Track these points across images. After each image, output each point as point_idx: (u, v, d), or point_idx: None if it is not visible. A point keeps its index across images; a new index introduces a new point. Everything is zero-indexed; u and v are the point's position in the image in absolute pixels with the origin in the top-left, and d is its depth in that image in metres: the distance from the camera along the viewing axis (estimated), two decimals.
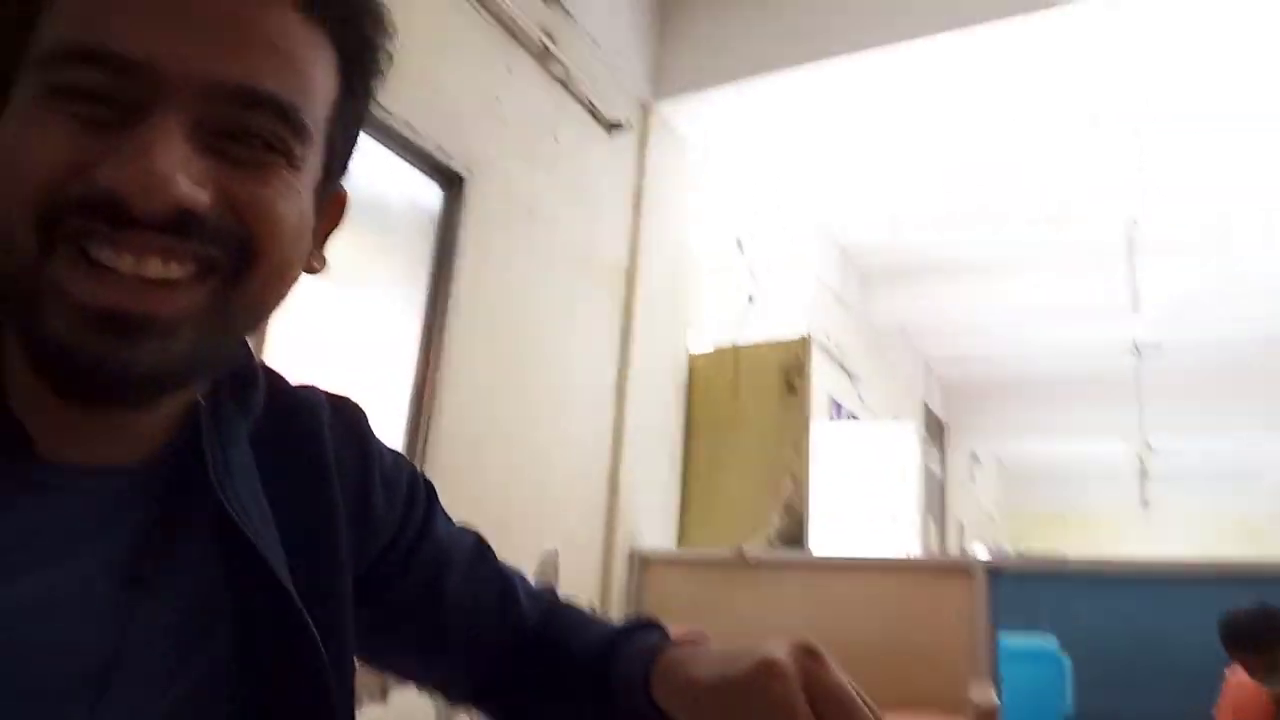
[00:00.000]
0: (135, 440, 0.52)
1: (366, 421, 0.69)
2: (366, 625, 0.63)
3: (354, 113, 0.55)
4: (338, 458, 0.63)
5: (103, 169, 0.43)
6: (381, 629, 0.67)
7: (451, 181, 2.72)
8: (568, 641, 0.69)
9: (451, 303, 2.64)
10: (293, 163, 0.49)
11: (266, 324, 0.56)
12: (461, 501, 0.87)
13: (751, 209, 5.07)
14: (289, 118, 0.48)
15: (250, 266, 0.47)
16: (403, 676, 0.75)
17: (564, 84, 3.22)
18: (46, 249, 0.43)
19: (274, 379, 0.64)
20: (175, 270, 0.45)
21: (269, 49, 0.47)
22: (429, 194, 2.69)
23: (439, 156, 2.64)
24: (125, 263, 0.43)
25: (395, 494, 0.68)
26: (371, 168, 2.52)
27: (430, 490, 0.73)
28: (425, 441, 2.55)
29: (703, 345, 4.07)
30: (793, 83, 3.58)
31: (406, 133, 2.52)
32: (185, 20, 0.45)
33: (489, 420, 2.79)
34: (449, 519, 0.74)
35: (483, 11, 2.87)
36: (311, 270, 0.56)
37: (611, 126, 3.43)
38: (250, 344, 0.60)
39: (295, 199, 0.49)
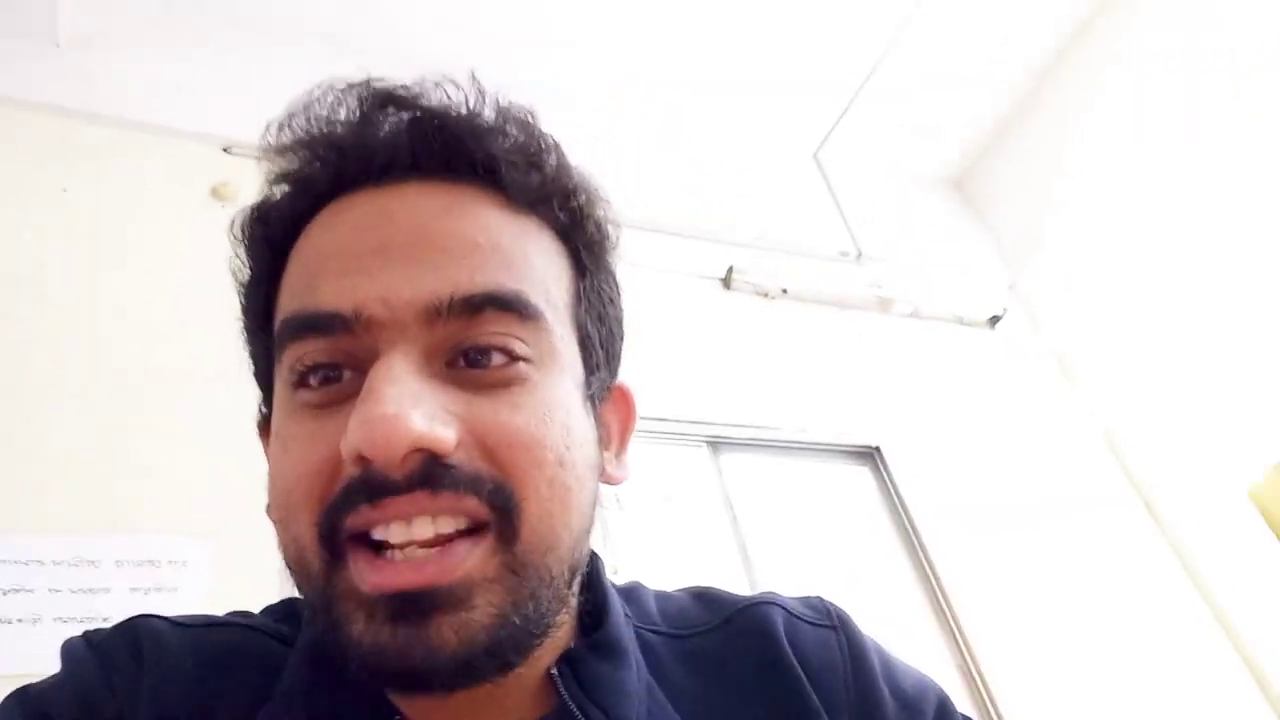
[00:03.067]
0: (504, 712, 0.48)
1: (846, 616, 0.59)
2: None
3: (597, 292, 0.53)
4: (806, 663, 0.55)
5: (341, 446, 0.42)
6: None
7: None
8: None
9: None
10: (540, 363, 0.46)
11: (584, 553, 0.49)
12: None
13: None
14: (514, 307, 0.45)
15: (518, 511, 0.43)
16: None
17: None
18: (332, 562, 0.43)
19: (674, 596, 0.60)
20: (446, 526, 0.42)
21: (473, 250, 0.46)
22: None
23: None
24: (396, 534, 0.42)
25: (918, 719, 0.56)
26: None
27: None
28: None
29: None
30: None
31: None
32: (384, 258, 0.45)
33: None
34: None
35: None
36: (610, 481, 0.53)
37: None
38: (600, 579, 0.54)
39: (555, 413, 0.45)
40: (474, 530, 0.42)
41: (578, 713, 0.47)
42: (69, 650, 0.50)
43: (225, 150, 2.16)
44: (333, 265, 0.46)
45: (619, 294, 0.56)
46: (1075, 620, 2.42)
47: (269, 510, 0.50)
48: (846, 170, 3.41)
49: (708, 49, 2.92)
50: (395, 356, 0.43)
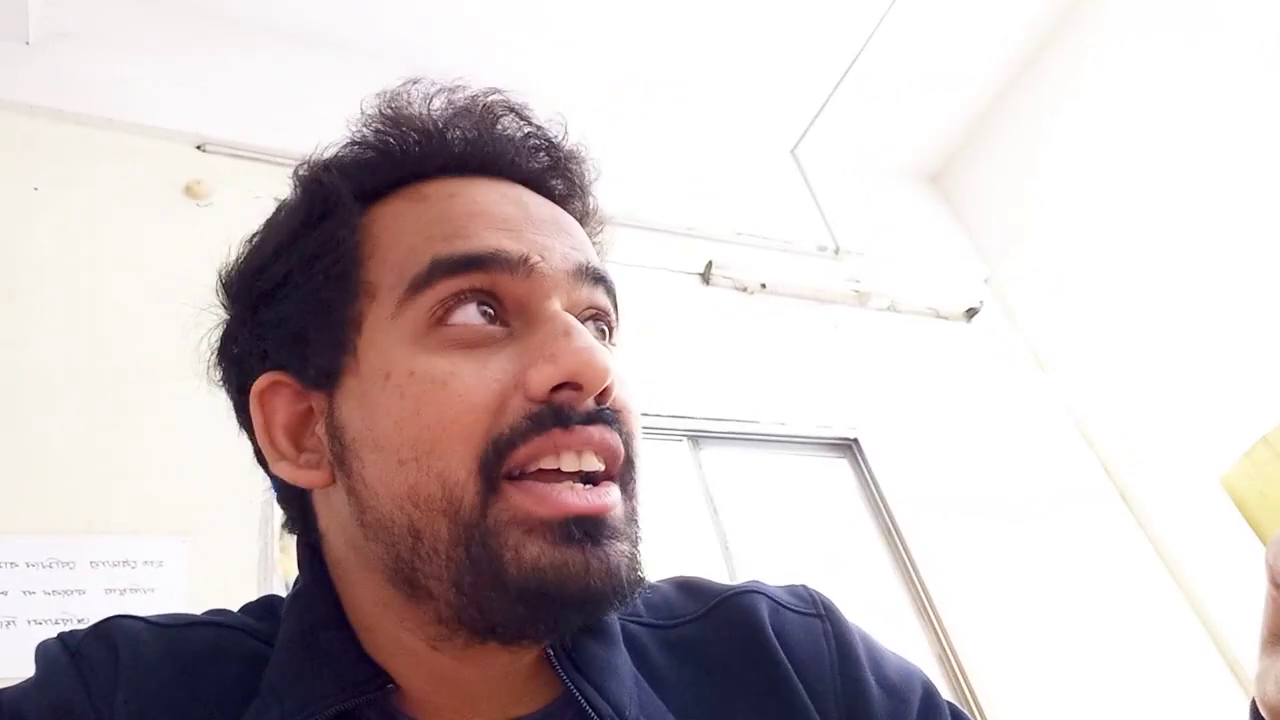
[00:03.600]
0: (508, 695, 0.50)
1: (831, 605, 0.60)
2: None
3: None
4: (791, 652, 0.55)
5: (534, 375, 0.45)
6: None
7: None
8: None
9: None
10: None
11: None
12: None
13: None
14: (613, 293, 0.53)
15: (636, 464, 0.48)
16: None
17: None
18: (488, 494, 0.43)
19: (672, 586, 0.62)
20: (595, 464, 0.46)
21: (584, 240, 0.54)
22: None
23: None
24: (568, 463, 0.44)
25: (902, 706, 0.55)
26: None
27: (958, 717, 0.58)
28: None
29: None
30: None
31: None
32: (534, 225, 0.50)
33: None
34: None
35: None
36: None
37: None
38: None
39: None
40: (608, 476, 0.46)
41: (576, 692, 0.48)
42: (44, 653, 0.50)
43: (199, 148, 2.14)
44: (489, 219, 0.49)
45: None
46: (1051, 607, 2.45)
47: (292, 469, 0.50)
48: (824, 166, 3.43)
49: (686, 46, 2.93)
50: (558, 305, 0.48)
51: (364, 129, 0.53)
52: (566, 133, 0.57)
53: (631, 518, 0.47)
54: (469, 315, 0.46)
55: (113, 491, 1.60)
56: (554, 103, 0.59)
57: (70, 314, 1.77)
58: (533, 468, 0.44)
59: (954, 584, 2.36)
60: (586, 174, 0.57)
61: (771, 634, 0.55)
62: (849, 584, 2.31)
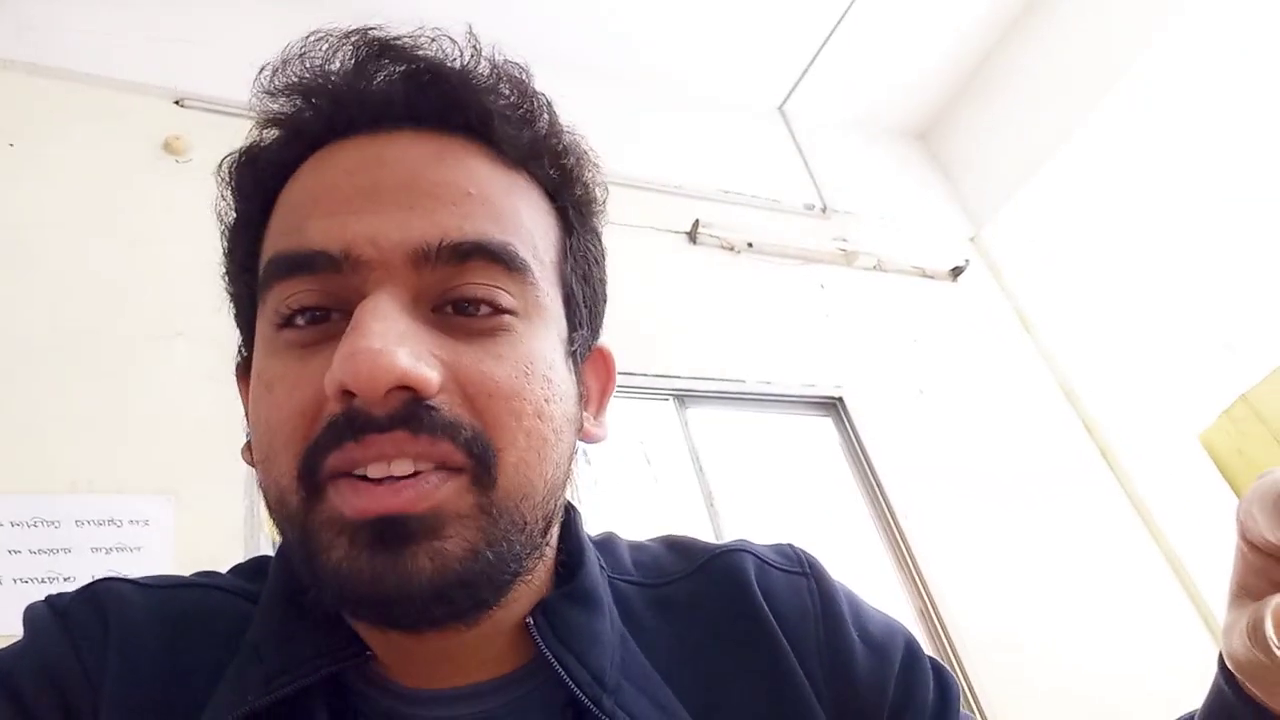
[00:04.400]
0: (480, 661, 0.49)
1: (817, 563, 0.60)
2: None
3: (583, 252, 0.53)
4: (776, 609, 0.55)
5: (329, 374, 0.41)
6: None
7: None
8: None
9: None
10: (525, 315, 0.46)
11: (559, 504, 0.50)
12: None
13: None
14: (502, 258, 0.45)
15: (496, 460, 0.43)
16: None
17: None
18: (310, 498, 0.42)
19: (650, 546, 0.61)
20: (424, 468, 0.42)
21: (464, 199, 0.46)
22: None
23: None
24: (375, 471, 0.41)
25: (885, 662, 0.56)
26: None
27: (942, 677, 0.58)
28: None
29: None
30: None
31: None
32: (375, 201, 0.45)
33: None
34: (967, 716, 0.59)
35: None
36: (589, 439, 0.54)
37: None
38: (576, 531, 0.56)
39: (536, 365, 0.46)
40: (446, 472, 0.43)
41: (553, 660, 0.48)
42: (32, 617, 0.50)
43: (177, 103, 2.11)
44: (322, 206, 0.46)
45: (604, 257, 0.56)
46: (1031, 564, 2.48)
47: (245, 453, 0.50)
48: (812, 122, 3.40)
49: (673, 1, 2.88)
50: (382, 296, 0.43)
51: (268, 99, 0.51)
52: (478, 56, 0.50)
53: (490, 505, 0.43)
54: (300, 316, 0.45)
55: (97, 451, 1.60)
56: (537, 59, 0.55)
57: (51, 273, 1.75)
58: (355, 472, 0.42)
59: (935, 540, 2.40)
60: (504, 91, 0.50)
61: (757, 591, 0.56)
62: (832, 541, 2.34)
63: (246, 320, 0.51)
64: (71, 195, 1.86)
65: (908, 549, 2.37)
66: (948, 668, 0.60)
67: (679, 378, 2.38)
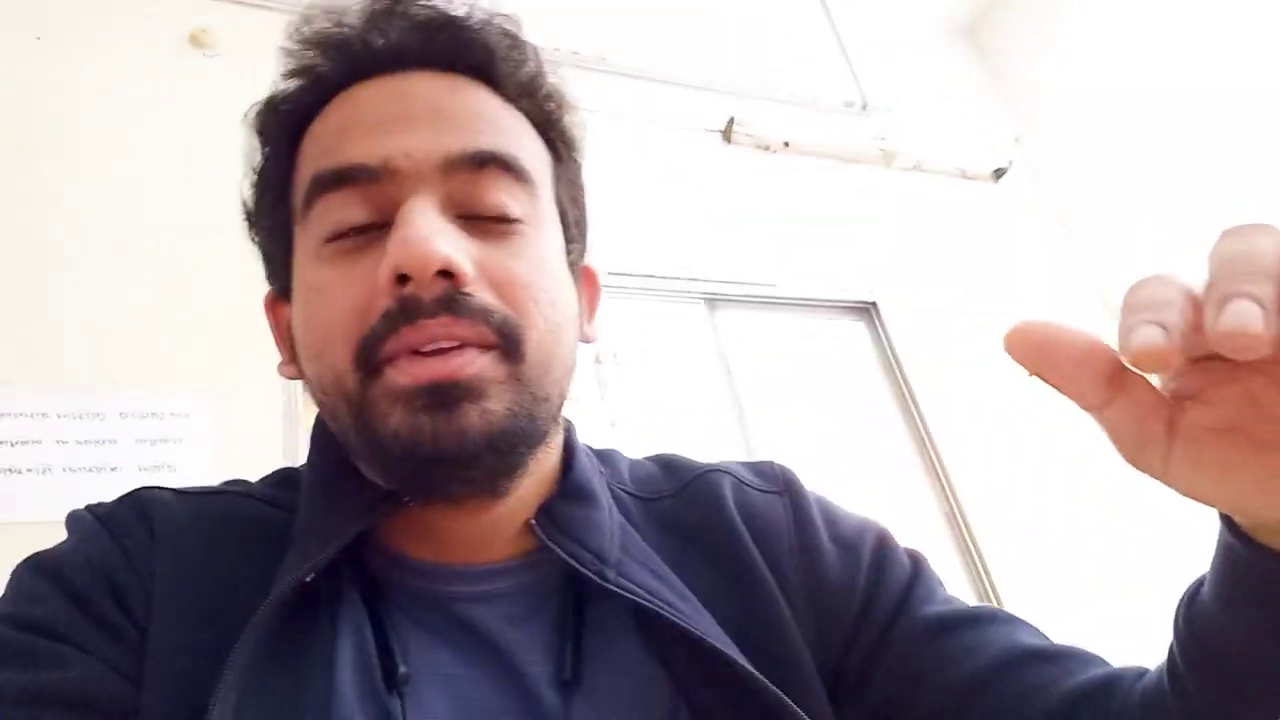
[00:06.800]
0: (492, 542, 0.55)
1: (794, 480, 0.66)
2: None
3: (570, 178, 0.61)
4: (752, 524, 0.61)
5: (384, 264, 0.48)
6: None
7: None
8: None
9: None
10: (532, 223, 0.54)
11: (567, 390, 0.56)
12: None
13: None
14: (513, 168, 0.53)
15: (522, 338, 0.50)
16: None
17: None
18: (368, 378, 0.49)
19: (657, 461, 0.67)
20: (468, 339, 0.49)
21: (478, 119, 0.54)
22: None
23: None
24: (430, 347, 0.48)
25: (856, 556, 0.61)
26: None
27: (917, 561, 0.63)
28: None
29: None
30: None
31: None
32: (407, 121, 0.52)
33: None
34: (950, 598, 0.61)
35: None
36: (586, 339, 0.60)
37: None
38: (573, 440, 0.61)
39: (546, 264, 0.54)
40: (481, 348, 0.49)
41: (555, 547, 0.54)
42: (75, 521, 0.53)
43: None
44: (358, 129, 0.52)
45: (584, 193, 0.64)
46: (1060, 471, 2.49)
47: (283, 369, 0.58)
48: (855, 14, 3.27)
49: None
50: (419, 199, 0.50)
51: (289, 56, 0.57)
52: (473, 8, 0.57)
53: (517, 379, 0.49)
54: (344, 226, 0.51)
55: (138, 347, 1.63)
56: None
57: (84, 168, 1.75)
58: (405, 355, 0.48)
59: (965, 446, 2.40)
60: (501, 43, 0.57)
61: (733, 510, 0.62)
62: (861, 446, 2.35)
63: (281, 250, 0.57)
64: (102, 89, 1.85)
65: (936, 452, 2.38)
66: (925, 557, 0.64)
67: (709, 281, 2.36)
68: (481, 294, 0.49)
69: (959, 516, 2.29)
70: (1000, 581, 2.22)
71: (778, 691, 0.50)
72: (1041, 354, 0.37)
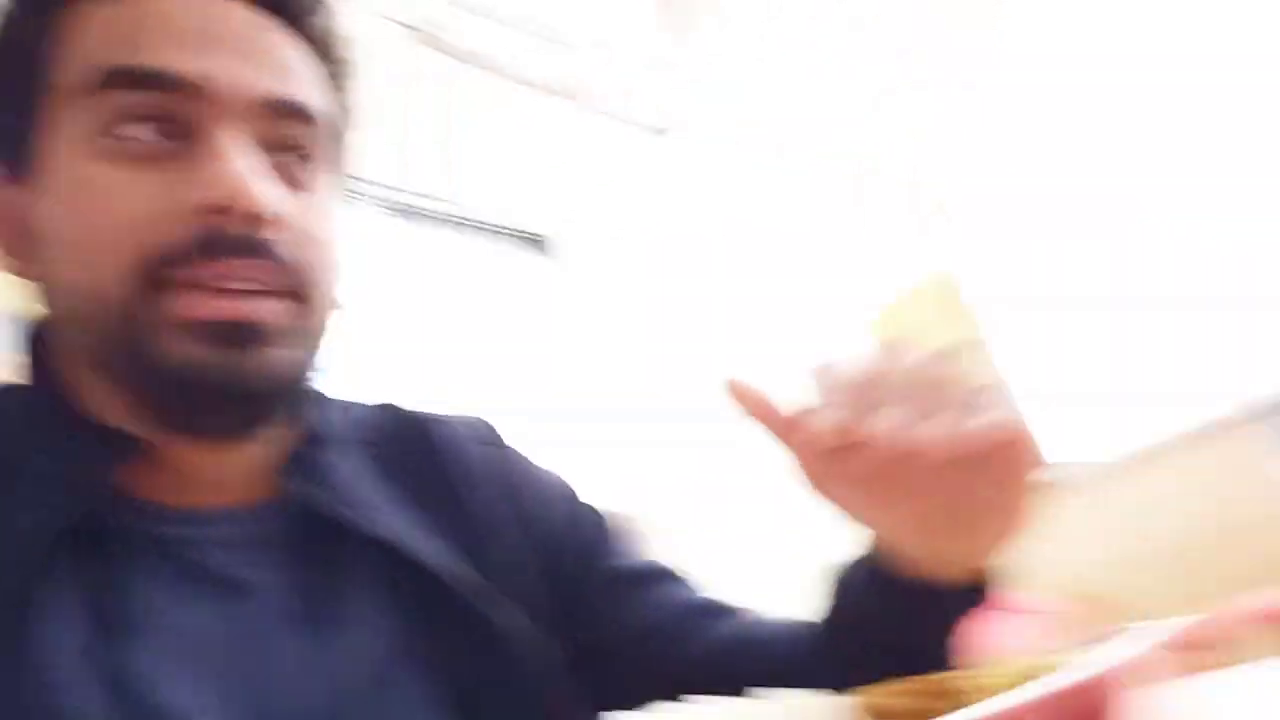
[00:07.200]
0: (234, 485, 0.56)
1: (497, 435, 0.71)
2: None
3: (343, 126, 0.61)
4: (470, 472, 0.65)
5: (190, 196, 0.48)
6: (579, 670, 0.62)
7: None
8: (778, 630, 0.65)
9: None
10: (326, 180, 0.56)
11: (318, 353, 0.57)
12: None
13: None
14: (318, 124, 0.55)
15: (310, 293, 0.53)
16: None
17: None
18: (149, 293, 0.47)
19: (380, 407, 0.69)
20: (262, 288, 0.50)
21: (292, 66, 0.54)
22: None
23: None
24: (230, 284, 0.48)
25: (550, 512, 0.68)
26: None
27: (600, 517, 0.71)
28: None
29: None
30: None
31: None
32: (223, 45, 0.50)
33: None
34: (631, 553, 0.70)
35: None
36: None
37: None
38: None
39: (331, 224, 0.56)
40: (277, 293, 0.51)
41: (296, 488, 0.55)
42: None
43: None
44: (169, 35, 0.49)
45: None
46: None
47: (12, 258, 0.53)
48: None
49: None
50: (238, 134, 0.50)
51: None
52: None
53: (302, 330, 0.52)
54: (136, 129, 0.48)
55: None
56: None
57: None
58: (203, 281, 0.48)
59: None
60: None
61: (453, 456, 0.65)
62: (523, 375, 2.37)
63: (14, 121, 0.51)
64: None
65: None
66: (612, 514, 0.72)
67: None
68: (284, 243, 0.50)
69: None
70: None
71: (514, 616, 0.56)
72: (744, 402, 0.47)
